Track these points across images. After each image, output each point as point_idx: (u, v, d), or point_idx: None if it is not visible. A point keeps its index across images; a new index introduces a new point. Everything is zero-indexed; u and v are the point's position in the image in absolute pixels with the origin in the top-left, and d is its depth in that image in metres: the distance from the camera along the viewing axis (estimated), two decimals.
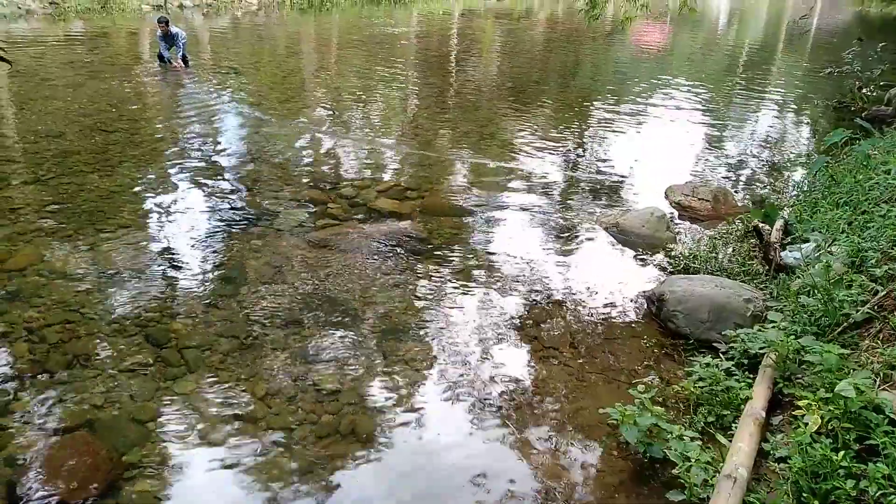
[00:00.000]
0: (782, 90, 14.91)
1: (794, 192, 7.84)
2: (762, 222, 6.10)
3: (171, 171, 7.76)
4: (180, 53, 12.77)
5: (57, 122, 9.13)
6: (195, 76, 12.59)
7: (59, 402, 3.99)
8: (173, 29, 12.61)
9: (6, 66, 2.49)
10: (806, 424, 3.28)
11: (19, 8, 18.14)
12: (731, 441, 3.52)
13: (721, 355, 4.41)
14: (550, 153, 9.37)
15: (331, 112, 11.08)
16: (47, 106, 9.87)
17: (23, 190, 6.93)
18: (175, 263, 5.73)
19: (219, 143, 8.98)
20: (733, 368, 4.20)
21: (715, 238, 6.44)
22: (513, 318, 5.20)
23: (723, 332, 4.62)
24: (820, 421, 3.26)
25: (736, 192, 8.10)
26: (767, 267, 5.60)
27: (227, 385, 4.23)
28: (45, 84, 11.03)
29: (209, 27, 19.45)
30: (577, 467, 3.73)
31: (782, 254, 5.61)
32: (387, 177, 8.08)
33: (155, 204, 6.86)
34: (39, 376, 4.20)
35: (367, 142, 9.49)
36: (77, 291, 5.15)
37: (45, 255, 5.66)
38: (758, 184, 8.72)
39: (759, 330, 4.33)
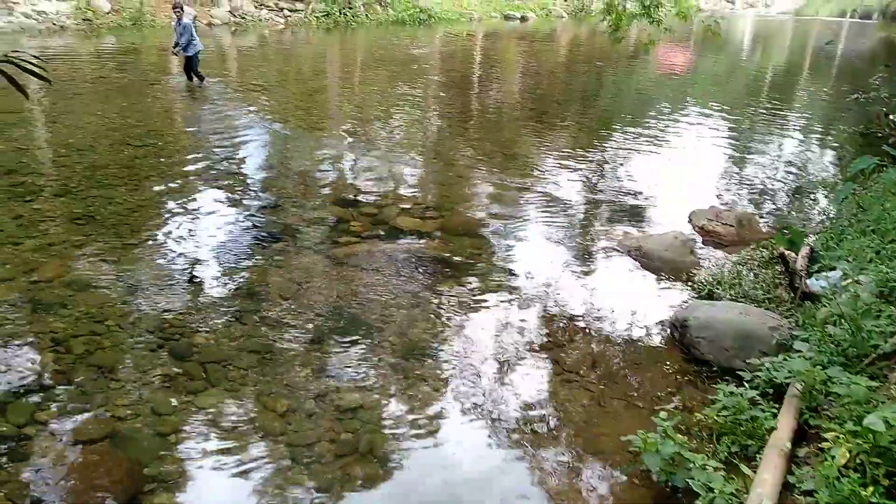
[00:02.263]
0: (807, 115, 14.82)
1: (820, 219, 7.76)
2: (787, 249, 6.03)
3: (197, 186, 7.87)
4: (193, 52, 12.78)
5: (87, 136, 9.32)
6: (213, 93, 12.78)
7: (83, 412, 4.03)
8: (185, 19, 12.74)
9: (45, 82, 2.59)
10: (833, 458, 3.21)
11: (54, 24, 18.62)
12: (755, 472, 3.46)
13: (745, 384, 4.34)
14: (572, 174, 9.37)
15: (354, 130, 11.19)
16: (78, 120, 10.08)
17: (53, 202, 7.06)
18: (198, 277, 5.79)
19: (244, 158, 9.10)
20: (758, 397, 4.13)
21: (739, 264, 6.37)
22: (533, 339, 5.18)
23: (747, 360, 4.56)
24: (848, 455, 3.19)
25: (760, 217, 8.02)
26: (793, 295, 5.53)
27: (247, 400, 4.25)
28: (76, 98, 11.29)
29: (237, 45, 19.80)
30: (596, 494, 3.68)
31: (808, 281, 5.54)
32: (409, 195, 8.13)
33: (180, 218, 6.95)
34: (64, 387, 4.25)
35: (390, 160, 9.56)
36: (102, 303, 5.22)
37: (73, 267, 5.75)
38: (782, 210, 8.64)
39: (785, 359, 4.27)
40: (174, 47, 12.80)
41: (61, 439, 3.81)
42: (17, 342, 4.66)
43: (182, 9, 12.86)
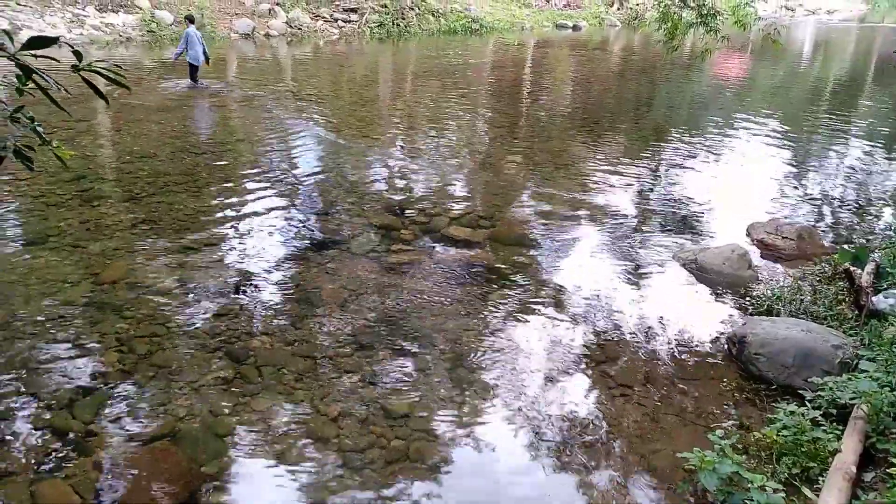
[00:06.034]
0: (871, 125, 14.27)
1: (887, 234, 7.46)
2: (852, 265, 5.82)
3: (254, 193, 8.07)
4: (184, 56, 13.27)
5: (150, 144, 9.66)
6: (269, 101, 13.08)
7: (145, 411, 4.17)
8: (187, 30, 13.27)
9: (125, 90, 2.72)
10: None
11: (120, 35, 19.40)
12: (818, 496, 3.34)
13: (807, 403, 4.20)
14: (625, 184, 9.25)
15: (406, 139, 11.30)
16: (142, 128, 10.46)
17: (118, 207, 7.34)
18: (255, 282, 5.93)
19: (299, 167, 9.29)
20: (820, 418, 4.00)
21: (800, 279, 6.18)
22: (585, 351, 5.13)
23: (809, 379, 4.42)
24: None
25: (822, 231, 7.76)
26: (858, 312, 5.33)
27: (301, 404, 4.32)
28: (140, 108, 11.71)
29: (293, 55, 20.26)
30: None
31: (874, 299, 5.33)
32: (459, 204, 8.15)
33: (237, 224, 7.13)
34: (128, 386, 4.41)
35: (440, 169, 9.62)
36: (164, 305, 5.40)
37: (136, 270, 5.96)
38: (845, 224, 8.35)
39: (850, 379, 4.13)
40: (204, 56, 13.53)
41: (125, 436, 3.95)
42: (84, 342, 4.86)
43: (189, 20, 13.78)
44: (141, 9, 20.54)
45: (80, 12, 19.53)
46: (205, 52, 13.38)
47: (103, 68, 2.41)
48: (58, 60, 2.47)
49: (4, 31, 2.52)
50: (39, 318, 5.11)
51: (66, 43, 2.53)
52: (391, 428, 4.16)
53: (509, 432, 4.21)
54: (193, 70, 13.44)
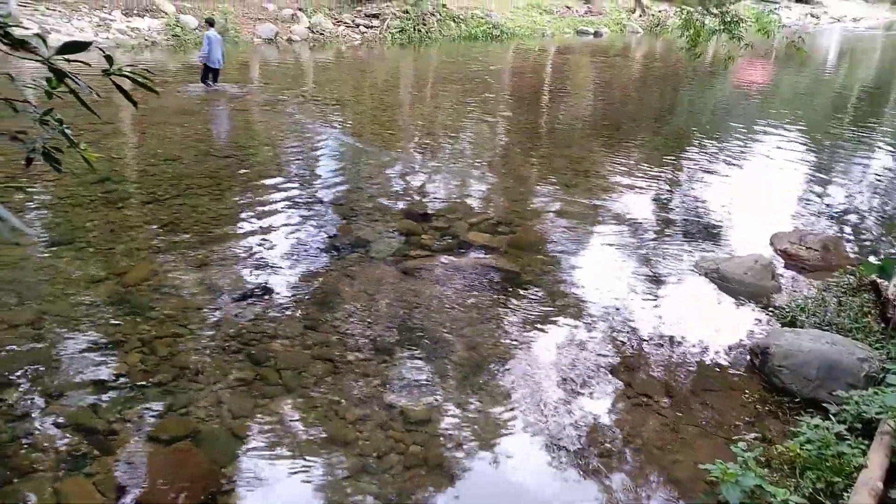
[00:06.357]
0: None
1: None
2: (878, 276, 5.72)
3: (276, 197, 8.12)
4: (202, 60, 13.63)
5: (174, 147, 9.77)
6: (291, 106, 13.18)
7: (167, 411, 4.21)
8: (207, 32, 13.62)
9: (153, 93, 2.78)
10: None
11: (146, 40, 19.68)
12: None
13: (831, 417, 4.13)
14: (646, 192, 9.19)
15: (426, 145, 11.33)
16: (166, 131, 10.58)
17: (142, 209, 7.42)
18: (275, 285, 5.96)
19: (320, 171, 9.34)
20: (845, 432, 3.93)
21: (824, 290, 6.09)
22: (604, 360, 5.09)
23: (833, 392, 4.35)
24: None
25: (847, 241, 7.65)
26: (884, 325, 5.24)
27: (321, 407, 4.34)
28: (164, 111, 11.84)
29: (315, 60, 20.40)
30: None
31: None
32: (478, 210, 8.15)
33: (259, 228, 7.18)
34: (149, 386, 4.45)
35: (460, 175, 9.62)
36: (186, 307, 5.45)
37: (158, 272, 6.02)
38: (871, 234, 8.21)
39: (876, 393, 4.05)
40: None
41: (146, 436, 3.99)
42: (107, 342, 4.92)
43: (209, 23, 14.34)
44: (166, 13, 20.83)
45: (107, 16, 19.84)
46: (222, 56, 13.62)
47: (133, 73, 2.45)
48: (89, 65, 2.50)
49: (38, 35, 2.56)
50: (64, 317, 5.18)
51: (98, 48, 2.58)
52: (409, 433, 4.16)
53: (527, 440, 4.19)
54: (213, 73, 13.67)
